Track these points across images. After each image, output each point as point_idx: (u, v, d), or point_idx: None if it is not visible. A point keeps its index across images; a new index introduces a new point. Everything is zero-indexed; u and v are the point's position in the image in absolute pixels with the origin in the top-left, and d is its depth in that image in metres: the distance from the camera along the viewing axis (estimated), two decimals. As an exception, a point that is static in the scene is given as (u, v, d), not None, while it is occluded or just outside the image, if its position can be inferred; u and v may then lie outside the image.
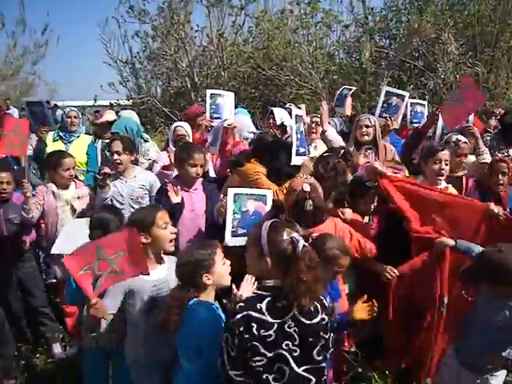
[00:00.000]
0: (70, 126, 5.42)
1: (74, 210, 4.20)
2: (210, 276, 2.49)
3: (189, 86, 13.36)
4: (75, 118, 5.46)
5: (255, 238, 2.21)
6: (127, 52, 14.27)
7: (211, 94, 5.21)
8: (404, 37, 11.21)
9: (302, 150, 4.06)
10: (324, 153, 4.12)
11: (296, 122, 4.10)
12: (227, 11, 13.31)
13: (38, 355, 4.21)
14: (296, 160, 3.94)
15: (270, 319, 2.09)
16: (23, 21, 17.01)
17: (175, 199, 3.64)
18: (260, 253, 2.17)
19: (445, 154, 3.80)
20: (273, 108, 5.52)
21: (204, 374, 2.34)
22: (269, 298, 2.12)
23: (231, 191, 3.51)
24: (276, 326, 2.09)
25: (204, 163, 4.00)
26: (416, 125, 5.64)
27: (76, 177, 4.50)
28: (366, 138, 4.60)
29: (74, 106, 18.16)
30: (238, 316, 2.08)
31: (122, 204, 4.15)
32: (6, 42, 16.86)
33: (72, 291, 3.12)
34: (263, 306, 2.09)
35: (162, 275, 2.85)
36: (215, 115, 5.13)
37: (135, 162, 4.53)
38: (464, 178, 4.37)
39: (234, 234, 3.44)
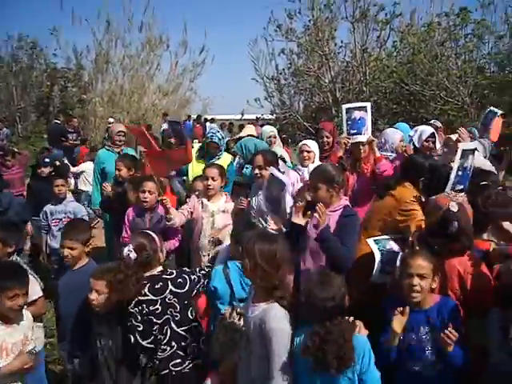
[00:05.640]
0: (211, 153, 5.37)
1: (213, 222, 4.22)
2: None
3: (330, 101, 13.65)
4: (215, 148, 5.35)
5: None
6: (273, 69, 15.09)
7: (347, 109, 4.69)
8: None
9: (459, 186, 3.53)
10: (478, 178, 3.70)
11: (461, 157, 3.53)
12: (372, 26, 13.40)
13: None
14: None
15: None
16: (185, 42, 18.76)
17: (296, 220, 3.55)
18: None
19: None
20: (434, 131, 4.85)
21: None
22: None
23: (371, 242, 3.44)
24: None
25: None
26: None
27: None
28: None
29: (224, 120, 19.52)
30: None
31: None
32: (169, 61, 18.71)
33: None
34: None
35: None
36: (352, 131, 4.63)
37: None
38: None
39: (382, 271, 3.41)
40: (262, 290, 2.57)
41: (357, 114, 4.64)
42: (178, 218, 4.17)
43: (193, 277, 3.26)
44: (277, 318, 2.45)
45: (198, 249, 4.24)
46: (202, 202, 4.31)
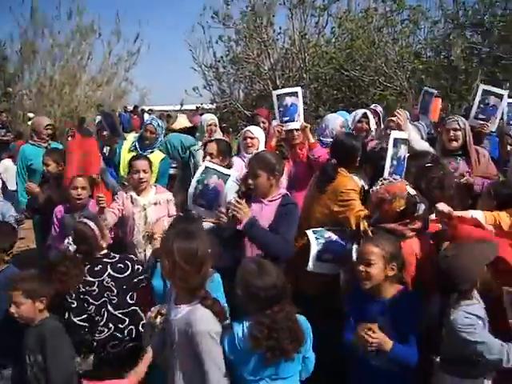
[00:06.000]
0: (147, 139, 5.17)
1: (146, 216, 4.03)
2: None
3: (271, 88, 13.39)
4: (152, 133, 5.18)
5: None
6: (211, 57, 14.61)
7: (277, 96, 4.53)
8: (499, 31, 10.43)
9: (395, 177, 3.36)
10: (415, 159, 3.62)
11: (394, 146, 3.46)
12: (310, 12, 13.25)
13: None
14: None
15: None
16: (118, 31, 17.91)
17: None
18: None
19: None
20: (367, 111, 5.01)
21: None
22: None
23: (309, 232, 3.41)
24: None
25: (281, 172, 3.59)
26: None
27: None
28: (455, 143, 4.10)
29: (163, 111, 18.90)
30: None
31: None
32: (102, 51, 17.80)
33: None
34: None
35: None
36: (285, 118, 4.51)
37: (229, 167, 4.31)
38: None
39: (320, 260, 3.35)
40: (183, 291, 2.38)
41: (288, 101, 4.49)
42: (109, 216, 3.94)
43: (137, 266, 3.35)
44: (203, 320, 2.28)
45: (133, 246, 4.01)
46: (132, 197, 4.05)
